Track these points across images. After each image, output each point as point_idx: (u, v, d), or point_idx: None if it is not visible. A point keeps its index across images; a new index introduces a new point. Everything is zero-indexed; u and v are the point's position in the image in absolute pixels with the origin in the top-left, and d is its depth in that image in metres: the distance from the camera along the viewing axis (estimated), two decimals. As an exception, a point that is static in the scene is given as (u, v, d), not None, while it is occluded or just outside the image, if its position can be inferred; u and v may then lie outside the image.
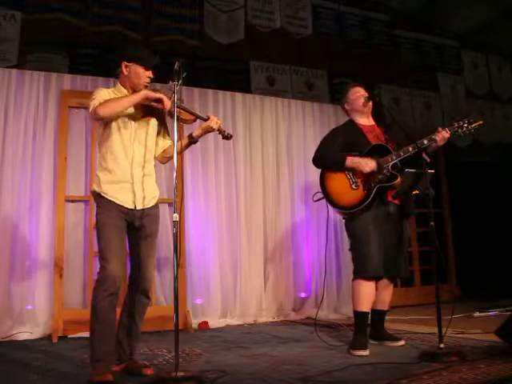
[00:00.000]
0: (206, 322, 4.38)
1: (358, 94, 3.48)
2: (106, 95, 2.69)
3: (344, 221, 3.44)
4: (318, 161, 3.43)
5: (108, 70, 4.23)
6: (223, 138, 2.94)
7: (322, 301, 4.21)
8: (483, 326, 3.68)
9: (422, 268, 5.74)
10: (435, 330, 3.00)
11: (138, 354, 2.97)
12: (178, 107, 2.66)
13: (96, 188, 2.71)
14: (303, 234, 5.14)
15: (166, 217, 4.36)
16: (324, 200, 3.38)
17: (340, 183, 3.30)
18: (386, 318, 3.52)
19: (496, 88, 7.56)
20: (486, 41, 7.32)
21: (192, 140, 2.86)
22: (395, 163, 3.23)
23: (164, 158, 2.95)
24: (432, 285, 4.17)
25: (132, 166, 2.71)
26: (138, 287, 2.77)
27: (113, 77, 3.74)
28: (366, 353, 3.07)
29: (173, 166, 2.62)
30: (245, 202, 4.90)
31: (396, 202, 3.32)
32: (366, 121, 3.50)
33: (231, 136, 2.95)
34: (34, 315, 4.01)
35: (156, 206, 2.83)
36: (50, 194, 4.19)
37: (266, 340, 3.74)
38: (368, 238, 3.21)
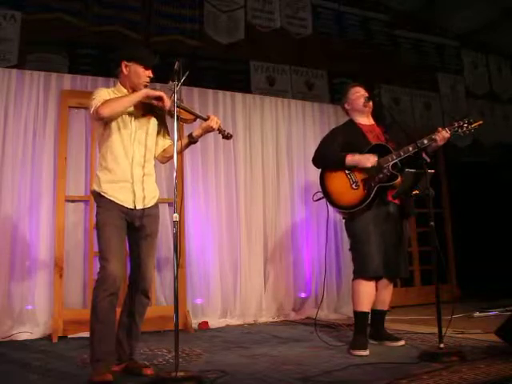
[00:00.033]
0: (206, 322, 4.37)
1: (358, 94, 3.48)
2: (106, 95, 2.69)
3: (344, 221, 3.44)
4: (318, 161, 3.44)
5: (108, 70, 4.23)
6: (223, 138, 2.95)
7: (321, 301, 4.20)
8: (483, 326, 3.68)
9: (422, 268, 5.74)
10: (435, 330, 2.99)
11: (138, 354, 2.97)
12: (177, 107, 2.66)
13: (96, 187, 2.71)
14: (303, 233, 5.14)
15: (166, 217, 4.36)
16: (324, 200, 3.37)
17: (340, 183, 3.30)
18: (386, 318, 3.52)
19: (496, 88, 7.56)
20: (486, 41, 7.32)
21: (192, 140, 2.86)
22: (395, 163, 3.23)
23: (164, 158, 2.95)
24: (432, 285, 4.17)
25: (132, 166, 2.71)
26: (138, 287, 2.77)
27: (113, 77, 3.75)
28: (365, 353, 3.07)
29: (173, 166, 2.62)
30: (245, 202, 4.90)
31: (396, 201, 3.32)
32: (365, 120, 3.50)
33: (231, 136, 2.95)
34: (34, 315, 4.01)
35: (156, 205, 2.83)
36: (50, 194, 4.19)
37: (266, 340, 3.74)
38: (368, 238, 3.21)
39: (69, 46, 4.95)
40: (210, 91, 4.97)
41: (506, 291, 5.09)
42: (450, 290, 5.61)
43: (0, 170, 4.08)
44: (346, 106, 3.56)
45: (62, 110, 4.27)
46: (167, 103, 2.69)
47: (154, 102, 2.72)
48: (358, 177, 3.27)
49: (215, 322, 4.46)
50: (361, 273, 3.26)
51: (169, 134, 2.95)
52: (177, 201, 2.56)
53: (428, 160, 3.09)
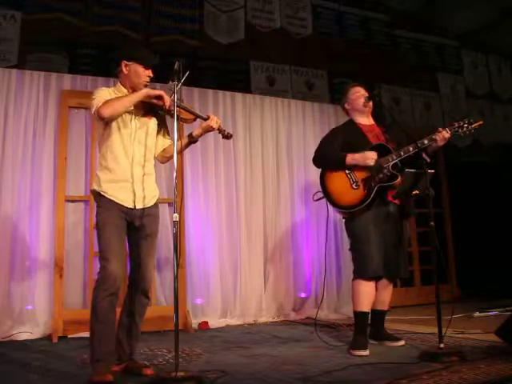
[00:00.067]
0: (206, 322, 4.37)
1: (358, 94, 3.49)
2: (107, 95, 2.69)
3: (344, 220, 3.44)
4: (318, 160, 3.44)
5: (108, 70, 4.23)
6: (223, 138, 2.95)
7: (321, 301, 4.20)
8: (483, 326, 3.68)
9: (422, 268, 5.74)
10: (435, 330, 2.99)
11: (138, 354, 2.97)
12: (177, 106, 2.66)
13: (96, 187, 2.71)
14: (303, 233, 5.14)
15: (166, 217, 4.36)
16: (324, 200, 3.37)
17: (340, 183, 3.30)
18: (386, 317, 3.52)
19: (496, 88, 7.56)
20: (486, 41, 7.32)
21: (192, 139, 2.86)
22: (395, 163, 3.23)
23: (164, 158, 2.95)
24: (432, 285, 4.17)
25: (132, 166, 2.71)
26: (138, 287, 2.77)
27: (113, 77, 3.75)
28: (365, 353, 3.07)
29: (173, 166, 2.62)
30: (245, 202, 4.90)
31: (396, 201, 3.32)
32: (365, 120, 3.50)
33: (231, 135, 2.95)
34: (34, 315, 4.01)
35: (156, 205, 2.83)
36: (50, 194, 4.19)
37: (266, 340, 3.74)
38: (368, 238, 3.21)
39: (69, 46, 4.95)
40: (210, 91, 4.97)
41: (506, 291, 5.09)
42: (450, 290, 5.61)
43: (0, 170, 4.08)
44: (346, 105, 3.56)
45: (62, 110, 4.27)
46: (167, 102, 2.69)
47: (155, 101, 2.72)
48: (359, 177, 3.27)
49: (215, 321, 4.46)
50: (361, 273, 3.26)
51: (169, 134, 2.95)
52: (177, 201, 2.56)
53: (428, 160, 3.08)
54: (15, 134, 4.17)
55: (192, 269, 4.57)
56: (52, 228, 4.15)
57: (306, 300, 5.01)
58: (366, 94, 3.49)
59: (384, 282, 3.36)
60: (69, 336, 3.89)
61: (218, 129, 2.85)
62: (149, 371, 2.70)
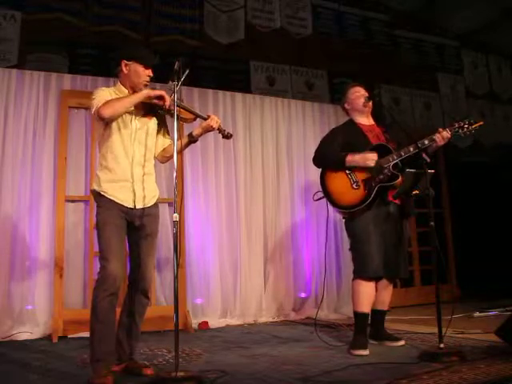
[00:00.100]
0: (206, 322, 4.37)
1: (358, 94, 3.48)
2: (107, 95, 2.69)
3: (344, 220, 3.44)
4: (318, 160, 3.44)
5: (108, 70, 4.23)
6: (223, 138, 2.94)
7: (321, 301, 4.20)
8: (483, 326, 3.68)
9: (422, 268, 5.73)
10: (435, 330, 2.99)
11: (138, 354, 2.97)
12: (177, 106, 2.66)
13: (96, 187, 2.71)
14: (303, 233, 5.13)
15: (166, 217, 4.36)
16: (324, 199, 3.37)
17: (341, 183, 3.30)
18: (386, 318, 3.52)
19: (496, 88, 7.57)
20: (486, 41, 7.32)
21: (192, 139, 2.86)
22: (396, 163, 3.23)
23: (164, 158, 2.95)
24: (432, 285, 4.17)
25: (132, 165, 2.71)
26: (138, 287, 2.77)
27: (113, 77, 3.75)
28: (366, 352, 3.07)
29: (173, 166, 2.62)
30: (245, 202, 4.90)
31: (396, 201, 3.32)
32: (365, 120, 3.50)
33: (231, 135, 2.95)
34: (34, 315, 4.01)
35: (156, 205, 2.83)
36: (50, 194, 4.19)
37: (266, 340, 3.74)
38: (368, 238, 3.21)
39: (69, 46, 4.95)
40: (210, 91, 4.97)
41: (506, 291, 5.09)
42: (450, 290, 5.61)
43: (0, 170, 4.08)
44: (346, 105, 3.56)
45: (62, 110, 4.27)
46: (168, 101, 2.69)
47: (156, 101, 2.72)
48: (359, 177, 3.27)
49: (215, 322, 4.46)
50: (360, 273, 3.25)
51: (169, 134, 2.95)
52: (177, 201, 2.56)
53: (428, 160, 3.08)
54: (15, 134, 4.17)
55: (192, 269, 4.57)
56: (52, 228, 4.15)
57: (306, 300, 5.01)
58: (366, 94, 3.49)
59: (384, 282, 3.36)
60: (69, 336, 3.89)
61: (218, 128, 2.85)
62: (149, 371, 2.70)
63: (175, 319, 2.48)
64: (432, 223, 3.00)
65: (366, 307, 3.26)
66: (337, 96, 5.92)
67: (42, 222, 4.15)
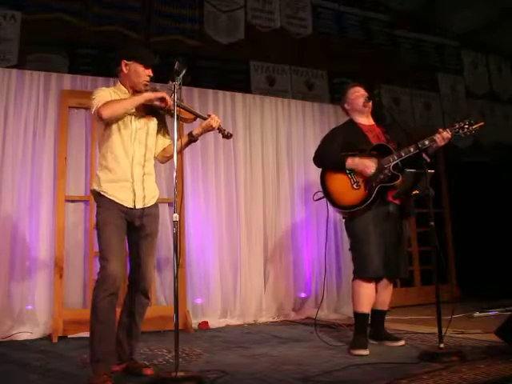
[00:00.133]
0: (206, 322, 4.37)
1: (358, 94, 3.48)
2: (107, 95, 2.69)
3: (344, 220, 3.44)
4: (318, 161, 3.44)
5: (108, 70, 4.23)
6: (223, 137, 2.94)
7: (322, 301, 4.20)
8: (483, 326, 3.68)
9: (422, 268, 5.74)
10: (435, 330, 2.99)
11: (138, 354, 2.97)
12: (177, 106, 2.66)
13: (96, 187, 2.71)
14: (303, 233, 5.13)
15: (166, 217, 4.36)
16: (324, 199, 3.37)
17: (341, 183, 3.29)
18: (386, 318, 3.52)
19: (496, 88, 7.57)
20: (486, 41, 7.32)
21: (192, 138, 2.86)
22: (396, 163, 3.23)
23: (164, 158, 2.95)
24: (432, 285, 4.16)
25: (132, 165, 2.71)
26: (138, 287, 2.77)
27: (113, 77, 3.75)
28: (366, 352, 3.07)
29: (173, 166, 2.62)
30: (245, 202, 4.90)
31: (396, 201, 3.32)
32: (365, 120, 3.50)
33: (231, 135, 2.95)
34: (34, 315, 4.01)
35: (156, 205, 2.83)
36: (50, 194, 4.19)
37: (266, 340, 3.74)
38: (368, 238, 3.21)
39: (69, 46, 4.95)
40: (210, 91, 4.97)
41: (506, 291, 5.09)
42: (450, 290, 5.61)
43: (0, 170, 4.08)
44: (346, 105, 3.56)
45: (62, 110, 4.27)
46: (169, 102, 2.69)
47: (157, 103, 2.72)
48: (359, 177, 3.27)
49: (215, 322, 4.46)
50: (360, 273, 3.25)
51: (169, 134, 2.95)
52: (177, 201, 2.56)
53: (428, 160, 3.09)
54: (15, 134, 4.17)
55: (192, 269, 4.57)
56: (52, 228, 4.15)
57: (306, 300, 5.01)
58: (366, 94, 3.49)
59: (384, 282, 3.36)
60: (69, 336, 3.89)
61: (218, 128, 2.85)
62: (149, 371, 2.70)
63: (175, 319, 2.48)
64: (432, 223, 3.00)
65: (366, 308, 3.26)
66: (337, 96, 5.91)
67: (42, 222, 4.15)
